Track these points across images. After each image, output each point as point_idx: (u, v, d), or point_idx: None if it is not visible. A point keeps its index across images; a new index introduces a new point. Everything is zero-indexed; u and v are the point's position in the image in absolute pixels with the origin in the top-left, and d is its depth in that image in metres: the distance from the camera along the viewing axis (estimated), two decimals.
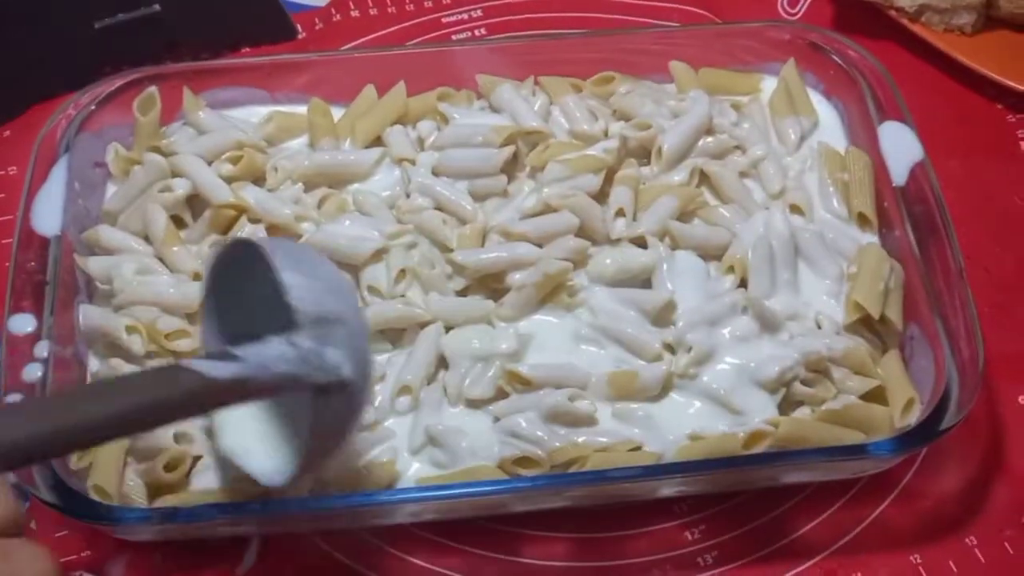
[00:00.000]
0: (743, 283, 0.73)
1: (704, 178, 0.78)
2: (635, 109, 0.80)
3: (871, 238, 0.76)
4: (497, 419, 0.69)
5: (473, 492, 0.65)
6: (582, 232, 0.74)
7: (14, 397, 0.66)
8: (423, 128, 0.80)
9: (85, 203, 0.76)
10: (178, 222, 0.76)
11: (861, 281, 0.72)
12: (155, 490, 0.67)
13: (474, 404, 0.70)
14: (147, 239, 0.75)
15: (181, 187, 0.76)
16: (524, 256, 0.72)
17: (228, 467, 0.66)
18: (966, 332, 0.68)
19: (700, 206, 0.77)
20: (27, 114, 0.88)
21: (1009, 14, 0.90)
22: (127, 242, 0.75)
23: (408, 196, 0.77)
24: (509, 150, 0.77)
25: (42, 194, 0.74)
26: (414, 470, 0.68)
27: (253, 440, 0.63)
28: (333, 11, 0.95)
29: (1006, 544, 0.71)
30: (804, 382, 0.69)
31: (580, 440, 0.67)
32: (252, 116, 0.81)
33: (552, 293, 0.72)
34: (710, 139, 0.79)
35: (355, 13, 0.95)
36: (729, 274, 0.73)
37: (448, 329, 0.71)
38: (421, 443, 0.69)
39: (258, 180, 0.78)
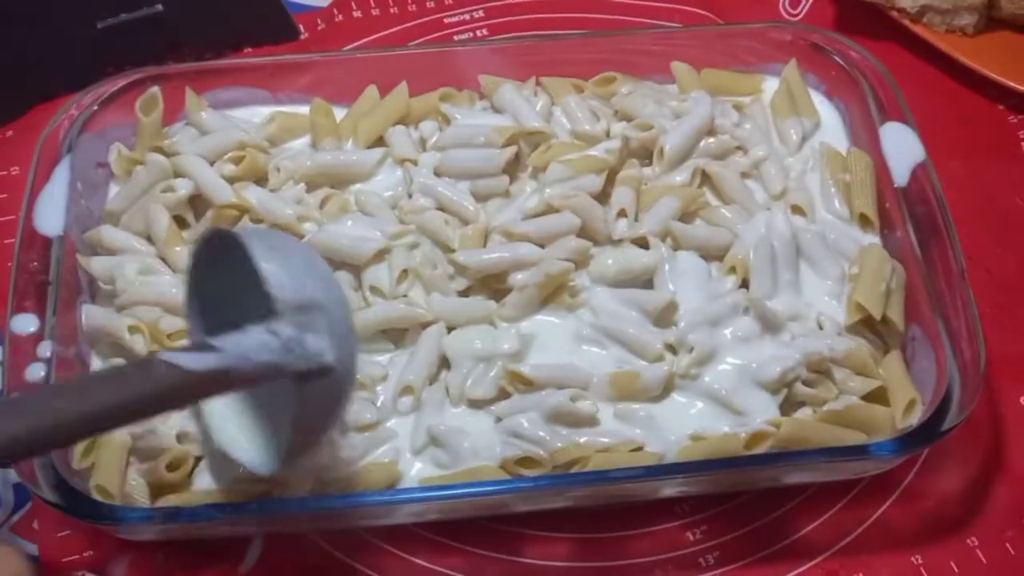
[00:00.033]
0: (745, 284, 0.73)
1: (706, 179, 0.78)
2: (637, 110, 0.80)
3: (873, 239, 0.76)
4: (499, 419, 0.69)
5: (475, 492, 0.65)
6: (584, 232, 0.74)
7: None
8: (425, 128, 0.80)
9: (88, 203, 0.76)
10: (180, 222, 0.76)
11: (863, 282, 0.72)
12: (157, 490, 0.67)
13: (476, 404, 0.70)
14: (149, 239, 0.75)
15: (183, 187, 0.76)
16: (526, 256, 0.72)
17: (230, 467, 0.66)
18: (968, 333, 0.68)
19: (702, 207, 0.77)
20: (29, 114, 0.88)
21: (1011, 15, 0.90)
22: (129, 242, 0.75)
23: (410, 196, 0.77)
24: (511, 150, 0.77)
25: (45, 194, 0.74)
26: (416, 470, 0.69)
27: (243, 429, 0.63)
28: (335, 11, 0.95)
29: (1007, 545, 0.71)
30: (806, 383, 0.69)
31: (582, 440, 0.68)
32: (254, 116, 0.82)
33: (554, 293, 0.72)
34: (712, 140, 0.79)
35: (357, 13, 0.95)
36: (731, 275, 0.73)
37: (450, 329, 0.72)
38: (423, 443, 0.69)
39: (260, 180, 0.78)
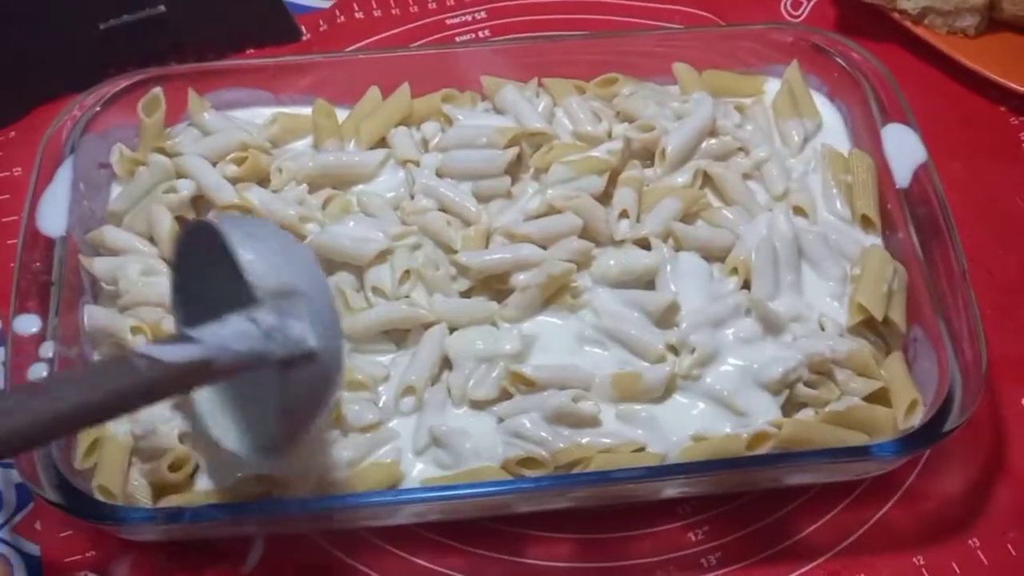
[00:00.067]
0: (746, 285, 0.73)
1: (707, 180, 0.78)
2: (638, 111, 0.80)
3: (874, 240, 0.76)
4: (501, 420, 0.69)
5: (477, 493, 0.65)
6: (586, 233, 0.74)
7: None
8: (427, 129, 0.80)
9: (90, 204, 0.77)
10: (183, 223, 0.76)
11: (864, 283, 0.72)
12: (159, 490, 0.67)
13: (478, 405, 0.70)
14: (152, 240, 0.75)
15: (186, 188, 0.76)
16: (528, 257, 0.72)
17: (231, 468, 0.66)
18: (969, 334, 0.68)
19: (703, 208, 0.77)
20: (32, 115, 0.88)
21: (1012, 16, 0.90)
22: (132, 243, 0.75)
23: (412, 197, 0.77)
24: (513, 151, 0.77)
25: (47, 195, 0.74)
26: (418, 471, 0.69)
27: (236, 420, 0.63)
28: (337, 13, 0.95)
29: (1009, 546, 0.71)
30: (807, 384, 0.69)
31: (584, 441, 0.68)
32: (256, 117, 0.82)
33: (556, 294, 0.72)
34: (713, 141, 0.79)
35: (359, 15, 0.95)
36: (732, 276, 0.73)
37: (452, 330, 0.72)
38: (425, 444, 0.69)
39: (262, 181, 0.78)
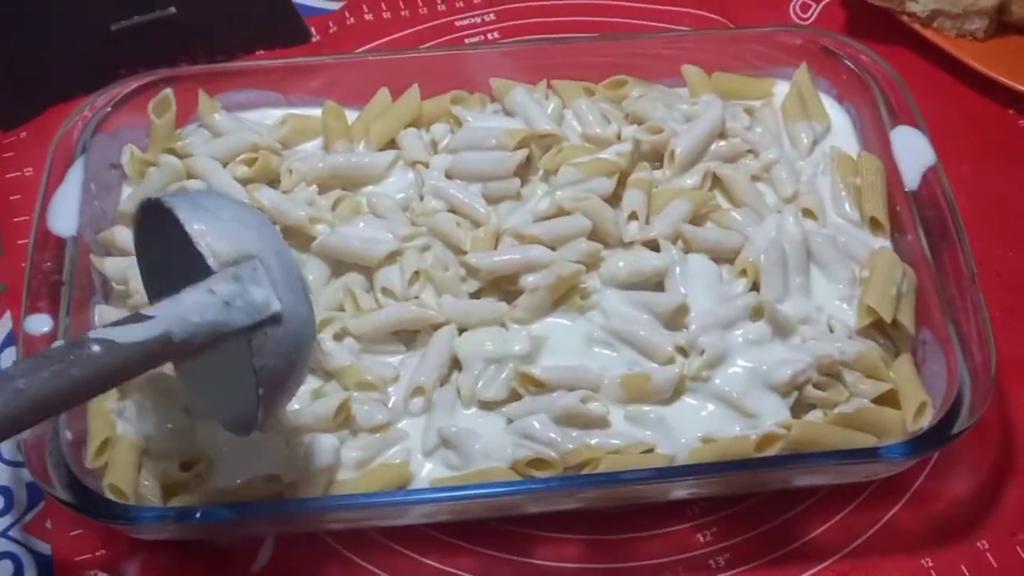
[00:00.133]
0: (755, 287, 0.73)
1: (716, 182, 0.78)
2: (648, 113, 0.80)
3: (883, 242, 0.76)
4: (510, 421, 0.69)
5: (486, 493, 0.65)
6: (595, 235, 0.74)
7: None
8: (437, 131, 0.80)
9: (101, 204, 0.77)
10: None
11: (873, 285, 0.72)
12: (169, 490, 0.67)
13: (487, 406, 0.70)
14: None
15: (196, 189, 0.76)
16: (537, 259, 0.72)
17: (242, 467, 0.67)
18: (978, 336, 0.68)
19: (712, 209, 0.77)
20: (43, 116, 0.88)
21: (1021, 19, 0.90)
22: None
23: (422, 199, 0.77)
24: (522, 153, 0.77)
25: (58, 195, 0.74)
26: (427, 471, 0.69)
27: (224, 396, 0.62)
28: (347, 14, 0.95)
29: (1018, 548, 0.71)
30: (816, 385, 0.69)
31: (593, 442, 0.68)
32: (267, 118, 0.82)
33: (565, 296, 0.72)
34: (722, 143, 0.79)
35: (369, 16, 0.96)
36: (741, 277, 0.73)
37: (461, 331, 0.72)
38: (434, 444, 0.69)
39: (273, 182, 0.78)
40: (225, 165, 0.77)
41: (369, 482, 0.67)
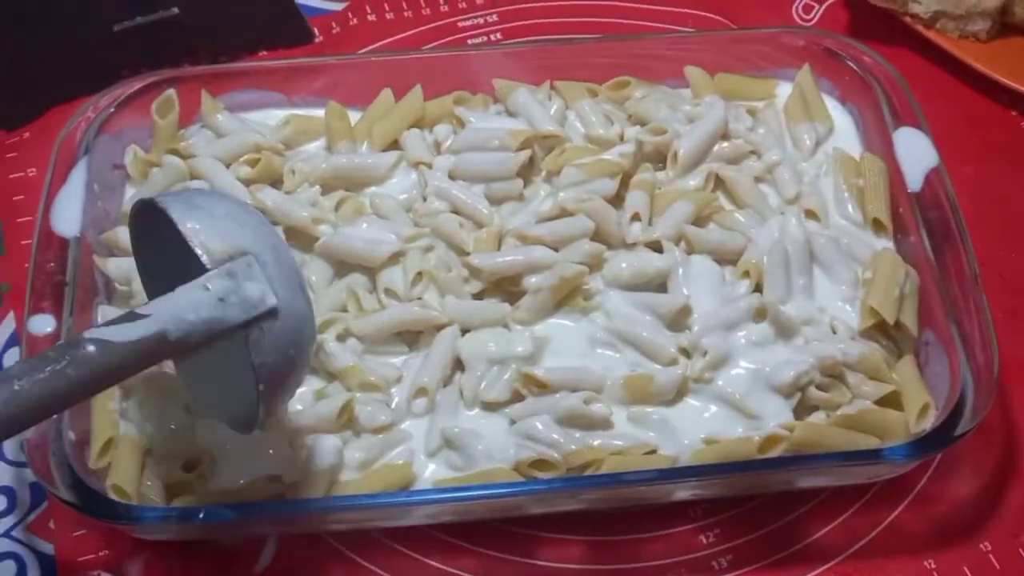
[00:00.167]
0: (758, 288, 0.73)
1: (719, 183, 0.78)
2: (651, 114, 0.80)
3: (886, 244, 0.76)
4: (513, 422, 0.69)
5: (489, 494, 0.66)
6: (598, 236, 0.74)
7: None
8: (440, 132, 0.80)
9: (104, 205, 0.77)
10: None
11: (876, 286, 0.72)
12: (172, 490, 0.67)
13: (490, 407, 0.70)
14: None
15: (197, 189, 0.76)
16: (540, 260, 0.72)
17: (245, 467, 0.67)
18: (981, 338, 0.68)
19: (715, 211, 0.77)
20: (46, 116, 0.88)
21: None
22: None
23: (425, 199, 0.77)
24: (525, 154, 0.77)
25: (61, 196, 0.74)
26: (430, 472, 0.69)
27: (219, 394, 0.62)
28: (350, 15, 0.96)
29: (1020, 550, 0.71)
30: (819, 387, 0.69)
31: (595, 443, 0.68)
32: (269, 119, 0.82)
33: (568, 297, 0.72)
34: (725, 144, 0.79)
35: (372, 17, 0.96)
36: (744, 279, 0.73)
37: (464, 332, 0.72)
38: (437, 445, 0.69)
39: (275, 183, 0.78)
40: (228, 166, 0.77)
41: (372, 483, 0.67)
